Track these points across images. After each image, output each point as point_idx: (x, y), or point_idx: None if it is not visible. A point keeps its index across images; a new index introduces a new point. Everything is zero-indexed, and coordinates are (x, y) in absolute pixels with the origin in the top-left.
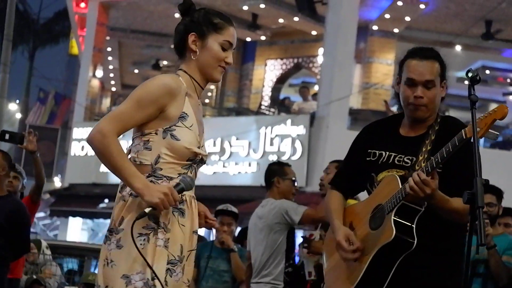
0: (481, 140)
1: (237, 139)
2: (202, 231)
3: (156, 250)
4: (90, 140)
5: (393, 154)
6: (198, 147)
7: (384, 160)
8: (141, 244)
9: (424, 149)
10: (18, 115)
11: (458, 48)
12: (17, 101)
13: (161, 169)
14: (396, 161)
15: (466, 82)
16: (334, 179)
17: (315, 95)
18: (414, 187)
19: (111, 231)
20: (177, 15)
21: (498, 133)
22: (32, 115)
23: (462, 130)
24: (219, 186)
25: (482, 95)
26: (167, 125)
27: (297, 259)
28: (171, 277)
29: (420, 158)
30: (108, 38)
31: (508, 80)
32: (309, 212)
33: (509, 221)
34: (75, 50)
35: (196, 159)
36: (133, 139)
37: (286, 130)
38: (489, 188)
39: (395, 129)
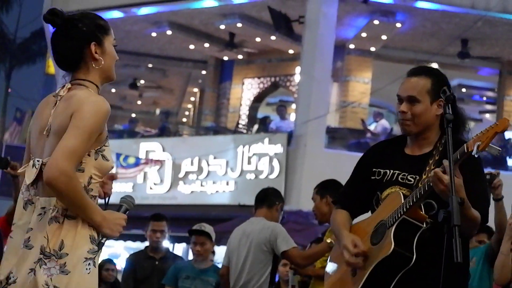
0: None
1: (214, 158)
2: (180, 251)
3: (97, 272)
4: (54, 182)
5: (397, 172)
6: None
7: (388, 178)
8: (87, 269)
9: (428, 168)
10: None
11: (434, 66)
12: None
13: (92, 189)
14: (399, 179)
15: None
16: (339, 198)
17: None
18: (433, 181)
19: (46, 254)
20: (154, 34)
21: (500, 148)
22: (9, 135)
23: (464, 144)
24: (197, 205)
25: None
26: (98, 146)
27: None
28: None
29: (424, 177)
30: None
31: (484, 98)
32: (297, 252)
33: (484, 238)
34: (52, 69)
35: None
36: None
37: (264, 148)
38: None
39: (400, 148)
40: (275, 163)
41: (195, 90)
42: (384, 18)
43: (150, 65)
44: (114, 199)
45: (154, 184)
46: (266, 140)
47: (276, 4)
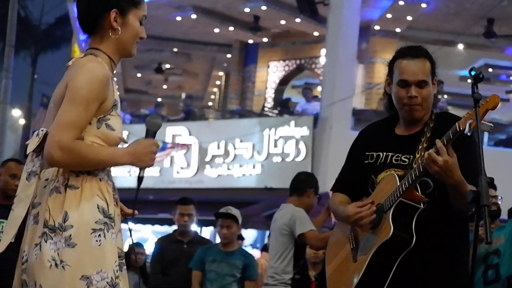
0: (485, 139)
1: (241, 141)
2: (207, 234)
3: (113, 246)
4: (54, 160)
5: (390, 154)
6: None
7: (382, 161)
8: (97, 241)
9: (420, 147)
10: (22, 121)
11: (460, 46)
12: (20, 107)
13: None
14: (393, 161)
15: (469, 81)
16: (335, 185)
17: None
18: (427, 162)
19: (51, 228)
20: (178, 18)
21: (491, 124)
22: (36, 122)
23: (456, 123)
24: (224, 188)
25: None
26: (102, 114)
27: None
28: (121, 271)
29: (417, 155)
30: None
31: (511, 78)
32: (313, 234)
33: None
34: (77, 54)
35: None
36: None
37: (290, 131)
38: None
39: (391, 130)
40: (301, 145)
41: (220, 73)
42: None
43: (175, 50)
44: (144, 183)
45: (181, 168)
46: (292, 123)
47: None
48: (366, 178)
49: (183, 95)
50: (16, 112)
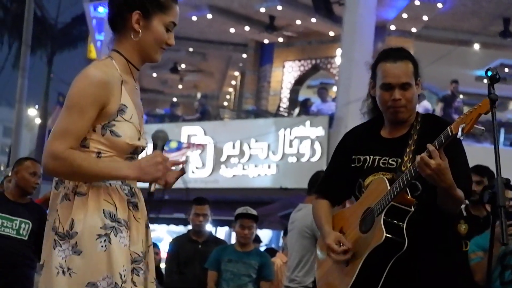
0: (501, 139)
1: (256, 141)
2: (222, 235)
3: (122, 250)
4: (48, 169)
5: (378, 157)
6: (139, 138)
7: (369, 164)
8: (102, 246)
9: (408, 150)
10: (38, 120)
11: (476, 46)
12: (36, 106)
13: None
14: (381, 164)
15: (485, 81)
16: (320, 187)
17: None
18: (419, 166)
19: (59, 235)
20: (194, 18)
21: (483, 128)
22: (52, 121)
23: (448, 127)
24: (239, 188)
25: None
26: (106, 120)
27: None
28: (138, 276)
29: (405, 158)
30: None
31: None
32: None
33: None
34: (93, 54)
35: (138, 151)
36: None
37: (305, 131)
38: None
39: (377, 132)
40: (317, 146)
41: (236, 73)
42: None
43: (190, 49)
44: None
45: (196, 168)
46: (308, 123)
47: None
48: (352, 182)
49: (199, 95)
50: (32, 112)
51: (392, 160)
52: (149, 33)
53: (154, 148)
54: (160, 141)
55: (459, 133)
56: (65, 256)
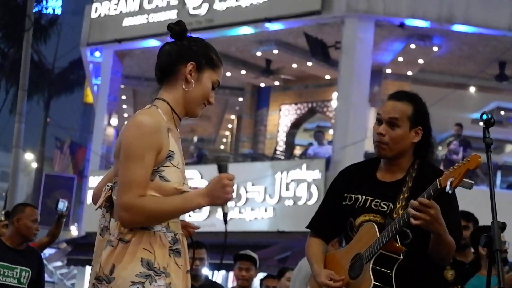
0: (497, 182)
1: (252, 184)
2: (219, 279)
3: None
4: (126, 223)
5: (370, 198)
6: (183, 184)
7: (361, 204)
8: None
9: (401, 197)
10: (34, 165)
11: (472, 89)
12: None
13: None
14: (373, 205)
15: (481, 124)
16: (312, 224)
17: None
18: (416, 214)
19: (99, 279)
20: None
21: (472, 182)
22: (57, 165)
23: (437, 180)
24: (236, 232)
25: (497, 136)
26: (156, 166)
27: None
28: None
29: (398, 205)
30: (122, 86)
31: None
32: None
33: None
34: (90, 99)
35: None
36: (115, 182)
37: (302, 175)
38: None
39: (372, 173)
40: (313, 189)
41: (233, 117)
42: (421, 42)
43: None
44: None
45: (193, 211)
46: (304, 166)
47: (312, 30)
48: (342, 220)
49: (195, 139)
50: (29, 156)
51: (383, 204)
52: (199, 86)
53: (220, 170)
54: (223, 162)
55: (448, 187)
56: None
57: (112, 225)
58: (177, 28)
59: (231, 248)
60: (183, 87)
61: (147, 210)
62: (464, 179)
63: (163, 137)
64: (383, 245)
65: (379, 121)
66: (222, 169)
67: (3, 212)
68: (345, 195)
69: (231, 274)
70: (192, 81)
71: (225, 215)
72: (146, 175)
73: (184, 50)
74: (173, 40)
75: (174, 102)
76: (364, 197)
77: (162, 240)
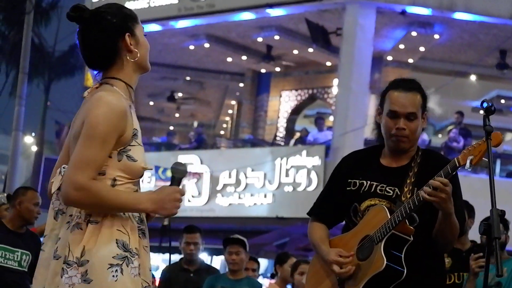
0: (497, 170)
1: (252, 170)
2: (218, 264)
3: (132, 280)
4: (71, 200)
5: (375, 183)
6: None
7: (366, 189)
8: (113, 276)
9: (408, 181)
10: (34, 148)
11: (473, 78)
12: (33, 134)
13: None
14: (378, 190)
15: (481, 112)
16: (314, 209)
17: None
18: (433, 192)
19: (68, 263)
20: (191, 47)
21: (487, 160)
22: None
23: (455, 159)
24: (235, 217)
25: (497, 124)
26: (122, 146)
27: None
28: None
29: (405, 189)
30: None
31: None
32: None
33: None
34: (90, 82)
35: (143, 174)
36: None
37: (302, 161)
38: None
39: (376, 159)
40: (313, 175)
41: (233, 102)
42: (422, 29)
43: (187, 78)
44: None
45: (192, 196)
46: (304, 152)
47: (313, 16)
48: (346, 205)
49: (195, 124)
50: (29, 139)
51: (389, 188)
52: (141, 48)
53: (172, 181)
54: (180, 174)
55: (467, 165)
56: (72, 284)
57: (74, 208)
58: (83, 13)
59: (230, 233)
60: (128, 58)
61: (99, 196)
62: (483, 158)
63: (128, 119)
64: (396, 225)
65: (394, 115)
66: (175, 182)
67: (5, 195)
68: (349, 180)
69: None
70: (135, 50)
71: (164, 227)
72: (103, 157)
73: (108, 27)
74: (82, 26)
75: (127, 77)
76: (369, 182)
77: (133, 221)
